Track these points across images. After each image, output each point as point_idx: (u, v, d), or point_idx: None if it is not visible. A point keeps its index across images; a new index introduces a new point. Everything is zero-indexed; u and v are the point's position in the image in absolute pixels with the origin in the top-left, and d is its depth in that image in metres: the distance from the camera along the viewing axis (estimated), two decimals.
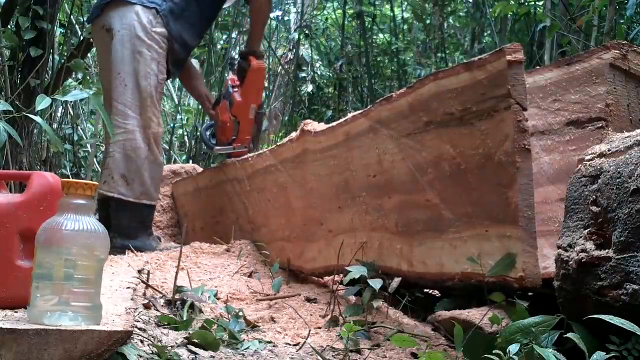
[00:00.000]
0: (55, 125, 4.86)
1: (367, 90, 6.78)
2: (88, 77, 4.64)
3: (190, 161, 6.08)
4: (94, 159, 5.18)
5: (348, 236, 2.14)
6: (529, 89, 1.67)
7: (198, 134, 6.55)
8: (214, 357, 1.39)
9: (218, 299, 2.06)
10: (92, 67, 5.28)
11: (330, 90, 7.26)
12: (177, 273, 1.86)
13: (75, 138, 5.17)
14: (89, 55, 4.86)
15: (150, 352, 1.31)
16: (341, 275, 2.04)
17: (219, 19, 5.80)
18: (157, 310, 1.74)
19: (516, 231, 1.49)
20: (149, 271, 2.10)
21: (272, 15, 6.22)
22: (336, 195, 2.20)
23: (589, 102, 1.72)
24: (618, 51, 1.68)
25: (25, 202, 1.37)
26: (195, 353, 1.38)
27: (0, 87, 3.53)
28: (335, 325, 1.78)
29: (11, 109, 2.27)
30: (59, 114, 5.15)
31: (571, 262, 1.32)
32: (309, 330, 1.68)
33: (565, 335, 1.26)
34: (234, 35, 6.73)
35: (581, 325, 1.28)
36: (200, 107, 6.77)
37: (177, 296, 1.83)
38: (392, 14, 6.97)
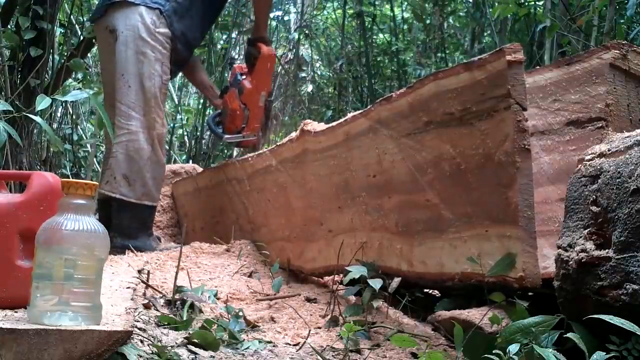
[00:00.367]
0: (55, 125, 4.86)
1: (367, 90, 6.78)
2: (88, 77, 4.64)
3: (190, 161, 6.08)
4: (94, 159, 5.18)
5: (348, 236, 2.14)
6: (529, 89, 1.67)
7: (198, 133, 6.56)
8: (214, 357, 1.39)
9: (218, 299, 2.06)
10: (92, 67, 5.28)
11: (330, 90, 7.27)
12: (177, 273, 1.86)
13: (75, 138, 5.17)
14: (89, 55, 4.86)
15: (150, 352, 1.31)
16: (341, 275, 2.04)
17: (219, 19, 5.79)
18: (157, 310, 1.74)
19: (516, 231, 1.49)
20: (149, 271, 2.10)
21: (271, 15, 6.21)
22: (336, 195, 2.20)
23: (589, 102, 1.72)
24: (618, 51, 1.68)
25: (25, 202, 1.37)
26: (195, 353, 1.38)
27: (0, 87, 3.53)
28: (335, 325, 1.78)
29: (11, 109, 2.27)
30: (59, 114, 5.15)
31: (571, 262, 1.32)
32: (309, 330, 1.68)
33: (565, 335, 1.26)
34: (234, 35, 6.73)
35: (581, 325, 1.28)
36: (200, 107, 6.78)
37: (177, 296, 1.83)
38: (392, 14, 6.97)
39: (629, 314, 1.18)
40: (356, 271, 1.79)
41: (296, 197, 2.48)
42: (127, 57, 2.96)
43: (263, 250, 2.67)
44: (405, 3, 7.14)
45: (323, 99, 7.18)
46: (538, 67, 1.99)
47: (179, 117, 6.76)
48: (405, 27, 7.26)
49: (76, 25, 4.63)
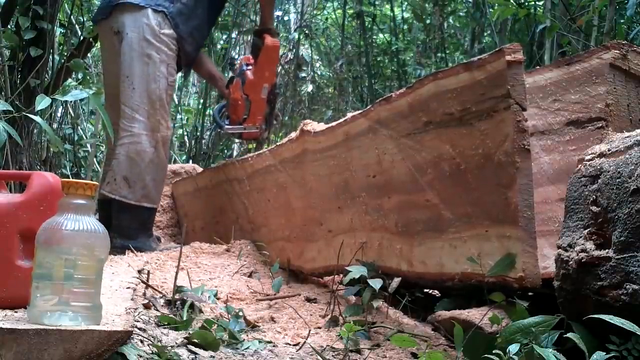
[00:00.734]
0: (55, 125, 4.86)
1: (367, 90, 6.79)
2: (88, 77, 4.64)
3: (190, 161, 6.08)
4: (94, 159, 5.17)
5: (348, 236, 2.14)
6: (529, 89, 1.67)
7: (198, 133, 6.56)
8: (214, 357, 1.39)
9: (218, 299, 2.06)
10: (92, 67, 5.28)
11: (330, 90, 7.27)
12: (177, 273, 1.86)
13: (75, 138, 5.17)
14: (89, 55, 4.86)
15: (150, 352, 1.31)
16: (341, 275, 2.04)
17: (219, 19, 5.79)
18: (157, 310, 1.74)
19: (516, 231, 1.49)
20: (149, 271, 2.10)
21: None
22: (336, 195, 2.20)
23: (589, 102, 1.72)
24: (618, 51, 1.68)
25: (26, 202, 1.37)
26: (195, 353, 1.38)
27: (0, 87, 3.53)
28: (335, 325, 1.78)
29: (11, 109, 2.27)
30: (59, 114, 5.15)
31: (571, 262, 1.32)
32: (309, 330, 1.68)
33: (565, 335, 1.26)
34: (234, 35, 6.73)
35: (581, 325, 1.28)
36: (200, 107, 6.78)
37: (177, 296, 1.83)
38: (392, 14, 6.97)
39: (629, 314, 1.18)
40: (356, 271, 1.79)
41: (296, 197, 2.48)
42: (132, 59, 2.96)
43: (263, 250, 2.68)
44: (405, 3, 7.14)
45: (323, 99, 7.18)
46: (538, 67, 1.99)
47: (179, 117, 6.76)
48: (405, 27, 7.26)
49: (76, 25, 4.63)
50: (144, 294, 1.87)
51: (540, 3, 4.94)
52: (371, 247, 2.01)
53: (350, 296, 1.98)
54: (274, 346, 1.56)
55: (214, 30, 5.99)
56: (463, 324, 1.47)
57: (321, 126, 2.33)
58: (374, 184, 2.00)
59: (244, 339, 1.56)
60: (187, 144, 6.73)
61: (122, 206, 2.93)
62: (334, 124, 2.24)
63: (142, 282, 1.95)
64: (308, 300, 2.13)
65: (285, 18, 7.59)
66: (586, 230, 1.32)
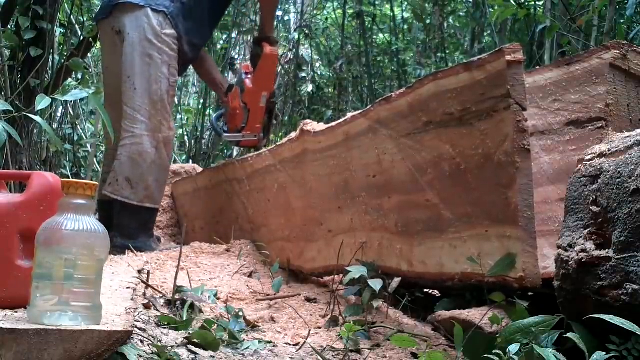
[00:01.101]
0: (55, 125, 4.86)
1: (367, 90, 6.79)
2: (88, 77, 4.64)
3: (190, 161, 6.08)
4: (94, 159, 5.18)
5: (348, 236, 2.14)
6: (529, 89, 1.67)
7: (198, 133, 6.56)
8: (214, 357, 1.39)
9: (218, 299, 2.06)
10: (92, 67, 5.28)
11: (330, 90, 7.27)
12: (177, 273, 1.86)
13: (75, 138, 5.17)
14: (89, 55, 4.86)
15: (150, 352, 1.31)
16: (341, 275, 2.04)
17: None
18: (157, 310, 1.74)
19: (516, 231, 1.49)
20: (149, 271, 2.10)
21: None
22: (336, 195, 2.20)
23: (589, 102, 1.71)
24: (618, 51, 1.68)
25: (26, 202, 1.37)
26: (195, 353, 1.38)
27: (0, 87, 3.53)
28: (335, 325, 1.78)
29: (11, 109, 2.27)
30: (59, 114, 5.15)
31: (571, 262, 1.32)
32: (309, 330, 1.68)
33: (565, 335, 1.26)
34: (234, 35, 6.73)
35: (581, 325, 1.28)
36: (200, 107, 6.78)
37: (177, 296, 1.83)
38: (392, 14, 6.97)
39: (629, 314, 1.18)
40: (356, 271, 1.79)
41: (296, 197, 2.48)
42: (134, 59, 2.95)
43: (263, 250, 2.68)
44: (405, 3, 7.14)
45: (323, 99, 7.18)
46: (538, 67, 1.98)
47: (179, 117, 6.76)
48: (405, 27, 7.26)
49: (76, 25, 4.63)
50: (144, 294, 1.87)
51: (540, 3, 4.94)
52: (371, 247, 2.01)
53: (350, 296, 1.98)
54: (274, 346, 1.56)
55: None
56: (463, 324, 1.47)
57: (321, 126, 2.33)
58: (374, 184, 2.00)
59: (244, 339, 1.56)
60: (187, 144, 6.73)
61: (125, 207, 2.93)
62: (334, 124, 2.24)
63: (142, 282, 1.95)
64: (308, 300, 2.13)
65: (285, 18, 7.59)
66: (586, 230, 1.32)
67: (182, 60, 3.11)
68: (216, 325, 1.61)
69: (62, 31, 4.59)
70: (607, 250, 1.26)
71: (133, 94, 2.94)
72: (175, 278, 1.85)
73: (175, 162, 5.98)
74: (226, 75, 5.42)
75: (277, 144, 2.69)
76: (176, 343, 1.42)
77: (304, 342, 1.57)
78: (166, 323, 1.58)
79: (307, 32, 7.23)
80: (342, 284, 1.95)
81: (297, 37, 7.05)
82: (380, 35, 7.44)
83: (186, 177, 3.93)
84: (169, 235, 3.82)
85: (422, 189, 1.78)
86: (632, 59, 1.70)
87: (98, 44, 4.56)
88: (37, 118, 2.27)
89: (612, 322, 1.17)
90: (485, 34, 6.40)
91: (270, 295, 2.18)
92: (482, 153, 1.58)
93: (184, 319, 1.65)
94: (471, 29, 6.40)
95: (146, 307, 1.73)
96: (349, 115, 2.14)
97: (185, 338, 1.44)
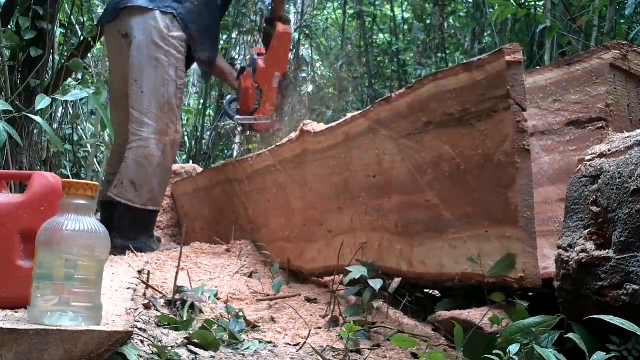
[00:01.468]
0: (55, 125, 4.86)
1: (367, 90, 6.79)
2: (88, 77, 4.64)
3: (190, 161, 6.08)
4: (94, 159, 5.18)
5: (348, 236, 2.14)
6: (529, 89, 1.67)
7: (198, 133, 6.56)
8: (214, 357, 1.39)
9: (218, 299, 2.06)
10: (92, 67, 5.27)
11: (330, 90, 7.27)
12: (177, 273, 1.87)
13: (75, 138, 5.17)
14: (89, 55, 4.86)
15: (150, 352, 1.31)
16: (341, 275, 2.04)
17: None
18: (157, 310, 1.74)
19: (516, 232, 1.49)
20: (149, 271, 2.10)
21: None
22: (336, 195, 2.20)
23: (589, 102, 1.72)
24: (618, 51, 1.68)
25: (26, 202, 1.37)
26: (195, 353, 1.38)
27: (0, 87, 3.53)
28: (335, 325, 1.78)
29: (11, 109, 2.27)
30: (59, 114, 5.15)
31: (571, 262, 1.32)
32: (309, 330, 1.68)
33: (565, 335, 1.26)
34: (234, 35, 6.73)
35: (581, 325, 1.28)
36: (200, 107, 6.78)
37: (177, 296, 1.83)
38: (392, 14, 6.97)
39: (629, 314, 1.18)
40: (356, 271, 1.79)
41: (296, 197, 2.48)
42: (141, 62, 2.95)
43: (263, 250, 2.68)
44: (405, 3, 7.14)
45: (323, 99, 7.19)
46: (538, 67, 1.99)
47: None
48: (405, 27, 7.27)
49: (76, 25, 4.63)
50: (144, 294, 1.87)
51: (540, 3, 4.94)
52: (371, 247, 2.01)
53: (350, 296, 1.98)
54: (274, 346, 1.56)
55: None
56: (463, 324, 1.47)
57: (321, 126, 2.33)
58: (374, 184, 2.00)
59: (244, 339, 1.56)
60: (187, 144, 6.73)
61: (127, 209, 2.94)
62: (333, 124, 2.24)
63: (142, 282, 1.95)
64: (308, 300, 2.13)
65: None
66: (586, 230, 1.32)
67: (203, 61, 3.10)
68: (216, 325, 1.61)
69: (62, 31, 4.59)
70: (607, 250, 1.26)
71: (140, 97, 2.94)
72: (175, 278, 1.85)
73: (175, 162, 5.99)
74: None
75: (277, 144, 2.68)
76: (176, 343, 1.42)
77: (304, 342, 1.57)
78: (166, 323, 1.58)
79: (307, 32, 7.23)
80: (342, 284, 1.95)
81: (297, 37, 7.05)
82: (380, 35, 7.44)
83: (186, 177, 3.93)
84: (169, 235, 3.82)
85: (422, 189, 1.78)
86: (632, 59, 1.70)
87: (98, 44, 4.56)
88: (37, 118, 2.28)
89: (612, 322, 1.17)
90: (485, 34, 6.40)
91: (270, 295, 2.18)
92: (481, 153, 1.58)
93: (184, 319, 1.65)
94: (471, 29, 6.40)
95: (146, 307, 1.73)
96: (349, 115, 2.14)
97: (185, 338, 1.44)
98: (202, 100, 6.71)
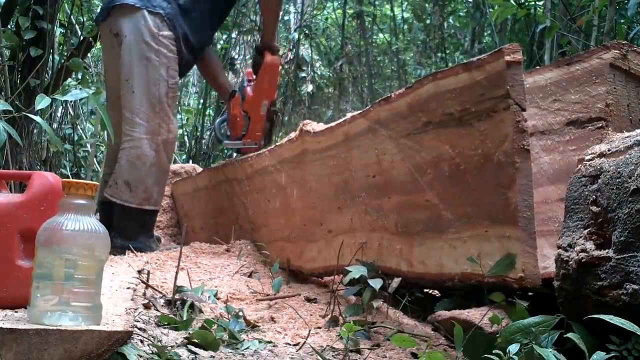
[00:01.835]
0: (55, 125, 4.86)
1: (367, 90, 6.79)
2: (88, 77, 4.64)
3: (190, 161, 6.08)
4: (94, 159, 5.18)
5: (348, 236, 2.14)
6: (529, 89, 1.67)
7: (198, 133, 6.56)
8: (214, 357, 1.39)
9: (218, 299, 2.06)
10: (92, 67, 5.28)
11: (330, 90, 7.27)
12: (177, 273, 1.87)
13: (75, 138, 5.17)
14: (89, 55, 4.86)
15: (150, 352, 1.31)
16: (341, 275, 2.04)
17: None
18: (157, 310, 1.74)
19: (516, 232, 1.49)
20: (149, 271, 2.10)
21: None
22: (336, 195, 2.20)
23: (589, 102, 1.72)
24: (618, 51, 1.68)
25: (26, 202, 1.37)
26: (195, 353, 1.38)
27: (0, 87, 3.53)
28: (335, 325, 1.78)
29: (11, 109, 2.27)
30: (59, 114, 5.15)
31: (571, 262, 1.32)
32: (309, 330, 1.68)
33: (565, 335, 1.26)
34: (234, 35, 6.73)
35: (581, 325, 1.28)
36: (200, 107, 6.78)
37: (177, 296, 1.83)
38: (392, 14, 6.98)
39: (629, 314, 1.18)
40: (356, 271, 1.79)
41: (296, 198, 2.48)
42: (132, 62, 2.95)
43: (263, 250, 2.68)
44: (405, 3, 7.14)
45: (323, 99, 7.19)
46: (538, 67, 1.99)
47: (179, 117, 6.76)
48: (405, 27, 7.27)
49: (76, 25, 4.63)
50: (144, 294, 1.87)
51: (540, 3, 4.94)
52: (371, 247, 2.01)
53: (350, 296, 1.98)
54: (274, 346, 1.56)
55: None
56: (463, 324, 1.47)
57: (321, 126, 2.33)
58: (374, 184, 2.00)
59: (244, 339, 1.56)
60: (187, 144, 6.73)
61: (124, 209, 2.94)
62: (333, 124, 2.24)
63: (142, 282, 1.95)
64: (308, 300, 2.13)
65: (285, 18, 7.59)
66: (586, 230, 1.32)
67: (183, 62, 3.11)
68: (216, 325, 1.61)
69: (62, 31, 4.58)
70: (607, 250, 1.26)
71: (131, 97, 2.94)
72: (175, 278, 1.85)
73: (175, 162, 5.99)
74: (226, 75, 5.42)
75: (277, 144, 2.69)
76: (176, 343, 1.42)
77: (304, 342, 1.57)
78: (166, 323, 1.58)
79: (307, 32, 7.23)
80: (342, 284, 1.95)
81: (297, 37, 7.05)
82: (380, 35, 7.44)
83: (186, 177, 3.93)
84: (169, 235, 3.82)
85: (422, 189, 1.78)
86: (632, 59, 1.70)
87: (98, 44, 4.56)
88: (37, 118, 2.27)
89: (612, 322, 1.17)
90: (485, 34, 6.40)
91: (270, 295, 2.18)
92: (481, 153, 1.58)
93: (184, 319, 1.65)
94: (471, 29, 6.40)
95: (146, 307, 1.73)
96: (349, 115, 2.14)
97: (185, 338, 1.44)
98: (202, 100, 6.71)
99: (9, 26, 3.79)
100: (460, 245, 1.65)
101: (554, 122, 1.80)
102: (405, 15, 7.28)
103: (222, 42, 6.81)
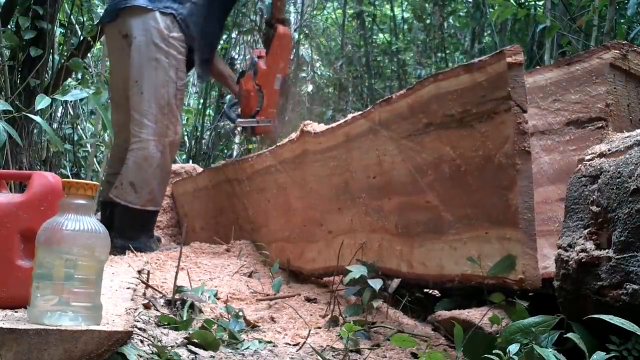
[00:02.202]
0: (55, 125, 4.86)
1: (367, 90, 6.79)
2: (88, 77, 4.64)
3: (190, 161, 6.09)
4: (94, 159, 5.18)
5: (348, 237, 2.14)
6: (529, 89, 1.67)
7: (198, 133, 6.56)
8: (214, 357, 1.39)
9: (218, 299, 2.06)
10: (92, 67, 5.28)
11: (330, 90, 7.27)
12: (177, 273, 1.87)
13: (75, 138, 5.17)
14: (89, 55, 4.86)
15: (150, 352, 1.31)
16: (341, 276, 2.04)
17: None
18: (157, 310, 1.74)
19: (516, 233, 1.49)
20: (149, 271, 2.10)
21: None
22: (336, 196, 2.20)
23: (589, 102, 1.72)
24: (618, 51, 1.68)
25: (26, 202, 1.37)
26: (195, 353, 1.38)
27: (0, 87, 3.53)
28: (335, 325, 1.78)
29: (11, 109, 2.27)
30: (59, 114, 5.15)
31: (571, 262, 1.32)
32: (309, 330, 1.68)
33: (565, 335, 1.26)
34: (234, 35, 6.73)
35: (581, 325, 1.28)
36: (200, 107, 6.78)
37: (177, 296, 1.83)
38: (392, 14, 6.98)
39: (629, 314, 1.19)
40: (356, 271, 1.79)
41: (296, 198, 2.48)
42: (141, 63, 2.94)
43: (263, 251, 2.68)
44: (405, 3, 7.14)
45: (323, 99, 7.19)
46: (538, 67, 1.99)
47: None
48: (405, 27, 7.27)
49: (76, 25, 4.63)
50: (144, 294, 1.87)
51: (540, 3, 4.94)
52: (371, 248, 2.01)
53: (350, 296, 1.98)
54: (274, 346, 1.56)
55: None
56: (463, 324, 1.47)
57: (321, 127, 2.33)
58: (374, 185, 2.00)
59: (244, 339, 1.56)
60: (187, 144, 6.73)
61: (127, 210, 2.94)
62: (334, 125, 2.24)
63: (142, 282, 1.95)
64: (308, 300, 2.13)
65: None
66: (586, 230, 1.32)
67: (199, 63, 3.09)
68: (216, 325, 1.61)
69: (62, 31, 4.59)
70: (607, 250, 1.26)
71: (140, 98, 2.94)
72: (175, 278, 1.85)
73: (175, 162, 5.99)
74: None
75: (277, 144, 2.68)
76: (176, 343, 1.42)
77: (304, 342, 1.57)
78: (166, 323, 1.58)
79: (307, 32, 7.23)
80: (342, 284, 1.95)
81: (297, 37, 7.05)
82: (380, 35, 7.44)
83: (186, 177, 3.93)
84: (169, 235, 3.82)
85: (422, 190, 1.78)
86: (632, 59, 1.70)
87: (98, 44, 4.56)
88: (37, 118, 2.28)
89: (612, 322, 1.17)
90: (485, 34, 6.40)
91: (270, 295, 2.18)
92: (482, 155, 1.58)
93: (184, 319, 1.65)
94: (471, 29, 6.40)
95: (146, 307, 1.73)
96: (350, 116, 2.14)
97: (185, 338, 1.44)
98: (202, 100, 6.71)
99: (9, 26, 3.79)
100: (461, 246, 1.65)
101: (554, 122, 1.80)
102: (405, 15, 7.28)
103: (222, 42, 6.81)
